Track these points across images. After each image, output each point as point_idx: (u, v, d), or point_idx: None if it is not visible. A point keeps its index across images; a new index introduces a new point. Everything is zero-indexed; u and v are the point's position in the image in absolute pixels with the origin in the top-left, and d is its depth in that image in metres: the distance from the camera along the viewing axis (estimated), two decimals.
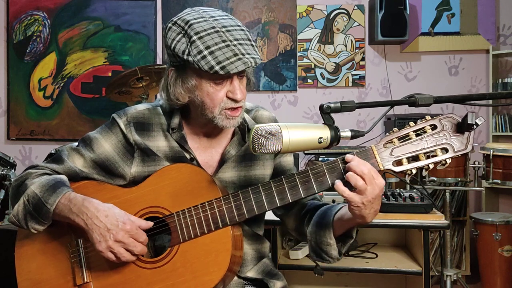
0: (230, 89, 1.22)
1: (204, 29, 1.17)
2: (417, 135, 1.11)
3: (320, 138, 1.10)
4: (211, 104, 1.23)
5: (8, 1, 4.10)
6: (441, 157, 1.10)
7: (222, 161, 1.35)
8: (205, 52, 1.15)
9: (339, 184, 1.10)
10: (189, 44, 1.17)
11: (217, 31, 1.16)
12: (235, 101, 1.23)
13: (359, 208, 1.10)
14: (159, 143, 1.33)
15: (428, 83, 3.94)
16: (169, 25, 1.23)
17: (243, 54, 1.16)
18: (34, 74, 4.11)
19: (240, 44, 1.17)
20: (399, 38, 3.68)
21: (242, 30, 1.20)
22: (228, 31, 1.17)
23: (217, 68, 1.14)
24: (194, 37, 1.16)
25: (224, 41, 1.16)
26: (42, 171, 1.31)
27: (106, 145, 1.33)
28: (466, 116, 1.06)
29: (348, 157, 1.11)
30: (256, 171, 1.38)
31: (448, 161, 1.10)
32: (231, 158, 1.35)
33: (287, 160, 1.45)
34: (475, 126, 1.06)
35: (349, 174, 1.09)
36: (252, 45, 1.20)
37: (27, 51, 4.10)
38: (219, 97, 1.22)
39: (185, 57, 1.17)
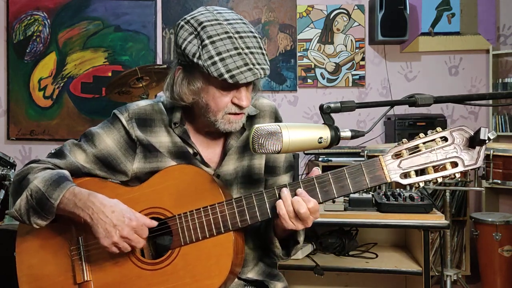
0: (236, 96, 1.21)
1: (217, 33, 1.16)
2: (426, 147, 1.08)
3: (320, 138, 1.10)
4: (216, 108, 1.22)
5: (8, 1, 4.10)
6: (450, 171, 1.07)
7: (224, 153, 1.35)
8: (216, 58, 1.14)
9: (278, 202, 1.14)
10: (200, 47, 1.16)
11: (230, 37, 1.16)
12: (240, 107, 1.23)
13: (285, 229, 1.16)
14: (162, 138, 1.33)
15: (428, 83, 3.94)
16: (182, 23, 1.22)
17: (253, 64, 1.16)
18: (34, 74, 4.11)
19: (251, 52, 1.16)
20: (399, 38, 3.68)
21: (255, 37, 1.19)
22: (241, 37, 1.17)
23: (226, 76, 1.14)
24: (206, 41, 1.15)
25: (236, 48, 1.15)
26: (44, 165, 1.30)
27: (108, 140, 1.32)
28: (478, 131, 1.03)
29: (284, 192, 1.15)
30: (255, 161, 1.38)
31: (457, 175, 1.08)
32: (233, 149, 1.35)
33: (280, 156, 1.42)
34: (487, 141, 1.03)
35: (278, 202, 1.13)
36: (263, 54, 1.19)
37: (27, 51, 4.10)
38: (224, 102, 1.22)
39: (195, 60, 1.16)
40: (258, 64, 1.17)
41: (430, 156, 1.08)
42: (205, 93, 1.22)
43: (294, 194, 1.14)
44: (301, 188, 1.15)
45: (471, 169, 1.08)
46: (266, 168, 1.40)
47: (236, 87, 1.20)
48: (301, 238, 1.29)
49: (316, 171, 1.17)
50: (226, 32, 1.16)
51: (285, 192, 1.13)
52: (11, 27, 4.11)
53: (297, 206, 1.11)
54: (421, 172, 1.09)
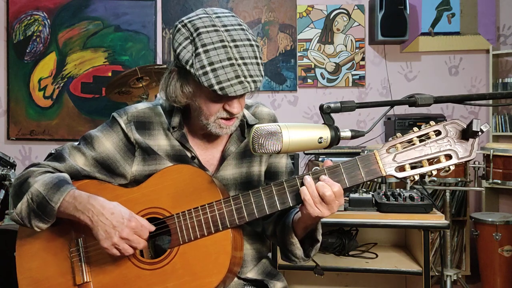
0: (227, 103, 1.21)
1: (211, 42, 1.15)
2: (420, 140, 1.10)
3: (320, 138, 1.10)
4: (208, 112, 1.23)
5: (8, 1, 4.10)
6: (444, 163, 1.08)
7: (223, 159, 1.35)
8: (208, 68, 1.13)
9: (303, 188, 1.12)
10: (193, 54, 1.15)
11: (224, 46, 1.15)
12: (231, 113, 1.23)
13: (311, 216, 1.13)
14: (160, 142, 1.33)
15: (428, 83, 3.94)
16: (179, 26, 1.21)
17: (245, 77, 1.15)
18: (34, 74, 4.10)
19: (245, 64, 1.15)
20: (399, 38, 3.68)
21: (251, 45, 1.18)
22: (236, 46, 1.15)
23: (216, 87, 1.14)
24: (200, 49, 1.14)
25: (229, 58, 1.14)
26: (44, 169, 1.30)
27: (107, 143, 1.33)
28: (471, 123, 1.05)
29: (306, 179, 1.13)
30: (255, 168, 1.38)
31: (452, 167, 1.09)
32: (231, 155, 1.35)
33: (281, 162, 1.44)
34: (480, 133, 1.05)
35: (302, 188, 1.12)
36: (258, 64, 1.18)
37: (27, 51, 4.10)
38: (216, 107, 1.22)
39: (187, 67, 1.16)
40: (250, 76, 1.16)
41: (424, 150, 1.09)
42: (197, 97, 1.23)
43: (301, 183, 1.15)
44: (297, 183, 1.16)
45: (466, 161, 1.09)
46: (268, 174, 1.42)
47: (228, 98, 1.20)
48: (320, 237, 1.27)
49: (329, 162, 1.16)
50: (221, 41, 1.15)
51: (308, 179, 1.12)
52: (11, 27, 4.10)
53: (322, 189, 1.10)
54: (416, 165, 1.10)
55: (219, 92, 1.14)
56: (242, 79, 1.15)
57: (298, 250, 1.27)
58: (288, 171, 1.45)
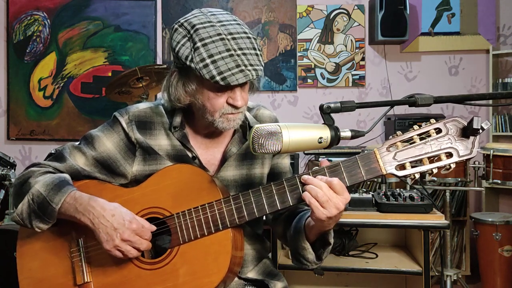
0: (231, 96, 1.22)
1: (209, 36, 1.16)
2: (421, 138, 1.09)
3: (320, 138, 1.10)
4: (212, 108, 1.23)
5: (8, 1, 4.10)
6: (445, 161, 1.08)
7: (224, 160, 1.35)
8: (208, 61, 1.14)
9: (305, 193, 1.10)
10: (192, 50, 1.16)
11: (222, 39, 1.16)
12: (236, 107, 1.23)
13: (321, 220, 1.10)
14: (161, 141, 1.33)
15: (428, 83, 3.94)
16: (176, 26, 1.22)
17: (245, 66, 1.15)
18: (34, 74, 4.10)
19: (244, 54, 1.16)
20: (399, 38, 3.68)
21: (248, 38, 1.19)
22: (234, 38, 1.16)
23: (218, 78, 1.14)
24: (198, 44, 1.15)
25: (228, 50, 1.15)
26: (45, 169, 1.30)
27: (108, 143, 1.33)
28: (471, 120, 1.04)
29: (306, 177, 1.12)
30: (256, 170, 1.38)
31: (453, 165, 1.08)
32: (232, 156, 1.35)
33: (284, 162, 1.45)
34: (480, 131, 1.04)
35: (309, 187, 1.09)
36: (257, 54, 1.19)
37: (27, 51, 4.10)
38: (219, 103, 1.22)
39: (187, 62, 1.17)
40: (251, 65, 1.17)
41: (425, 148, 1.09)
42: (200, 95, 1.23)
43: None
44: (297, 182, 1.15)
45: (466, 159, 1.08)
46: (272, 175, 1.42)
47: (230, 88, 1.21)
48: (331, 240, 1.26)
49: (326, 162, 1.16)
50: (219, 34, 1.16)
51: (305, 177, 1.11)
52: (11, 27, 4.10)
53: (327, 179, 1.09)
54: (416, 163, 1.09)
55: (221, 83, 1.15)
56: (243, 67, 1.15)
57: (310, 254, 1.26)
58: (291, 169, 1.46)
